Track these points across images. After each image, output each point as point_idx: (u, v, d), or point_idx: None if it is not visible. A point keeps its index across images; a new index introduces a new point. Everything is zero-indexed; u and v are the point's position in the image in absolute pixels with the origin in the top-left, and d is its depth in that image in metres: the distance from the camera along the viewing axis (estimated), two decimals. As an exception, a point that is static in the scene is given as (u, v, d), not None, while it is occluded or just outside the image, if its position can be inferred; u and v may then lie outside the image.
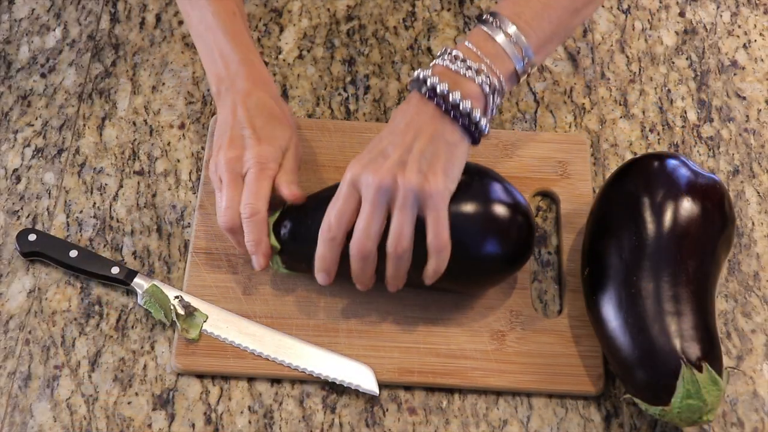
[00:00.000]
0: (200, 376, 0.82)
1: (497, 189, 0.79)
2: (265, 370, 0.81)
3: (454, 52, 0.78)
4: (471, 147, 0.79)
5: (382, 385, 0.81)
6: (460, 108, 0.76)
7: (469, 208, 0.78)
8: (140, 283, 0.84)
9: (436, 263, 0.77)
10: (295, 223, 0.81)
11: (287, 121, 0.85)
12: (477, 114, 0.77)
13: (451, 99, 0.76)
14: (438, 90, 0.76)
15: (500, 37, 0.78)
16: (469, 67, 0.77)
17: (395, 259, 0.77)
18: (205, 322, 0.83)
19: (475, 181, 0.79)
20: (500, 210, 0.78)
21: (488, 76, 0.77)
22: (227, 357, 0.82)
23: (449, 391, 0.82)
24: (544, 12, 0.80)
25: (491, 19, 0.79)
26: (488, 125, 0.78)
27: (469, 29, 1.01)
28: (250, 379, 0.82)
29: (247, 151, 0.82)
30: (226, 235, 0.82)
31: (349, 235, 0.77)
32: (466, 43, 0.79)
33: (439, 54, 0.79)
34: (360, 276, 0.79)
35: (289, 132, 0.85)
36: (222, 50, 0.85)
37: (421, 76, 0.78)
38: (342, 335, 0.83)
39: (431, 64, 0.79)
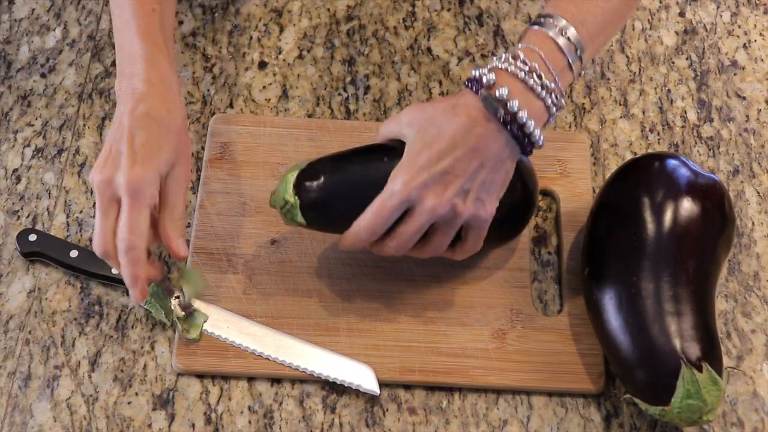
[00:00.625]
0: (200, 376, 0.82)
1: None
2: (266, 370, 0.81)
3: (531, 64, 0.73)
4: None
5: (383, 384, 0.81)
6: (532, 137, 0.74)
7: None
8: None
9: (462, 257, 0.81)
10: (320, 190, 0.78)
11: (178, 134, 0.78)
12: (542, 138, 0.75)
13: (526, 129, 0.73)
14: (517, 118, 0.73)
15: (566, 47, 0.74)
16: (543, 86, 0.73)
17: (423, 254, 0.79)
18: (205, 322, 0.83)
19: None
20: None
21: (557, 96, 0.74)
22: (228, 357, 0.82)
23: (449, 391, 0.82)
24: (603, 20, 0.77)
25: (555, 23, 0.75)
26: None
27: (469, 29, 1.01)
28: (250, 379, 0.82)
29: (119, 174, 0.74)
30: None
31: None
32: (536, 48, 0.74)
33: (507, 56, 0.74)
34: (379, 253, 0.79)
35: (176, 146, 0.77)
36: (131, 48, 0.79)
37: (497, 94, 0.72)
38: (343, 334, 0.83)
39: (497, 67, 0.74)
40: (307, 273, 0.85)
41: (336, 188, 0.78)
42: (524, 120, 0.73)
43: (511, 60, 0.74)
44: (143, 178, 0.74)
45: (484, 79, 0.73)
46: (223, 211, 0.89)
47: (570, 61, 0.75)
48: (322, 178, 0.78)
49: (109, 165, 0.75)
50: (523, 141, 0.74)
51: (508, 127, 0.73)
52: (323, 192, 0.78)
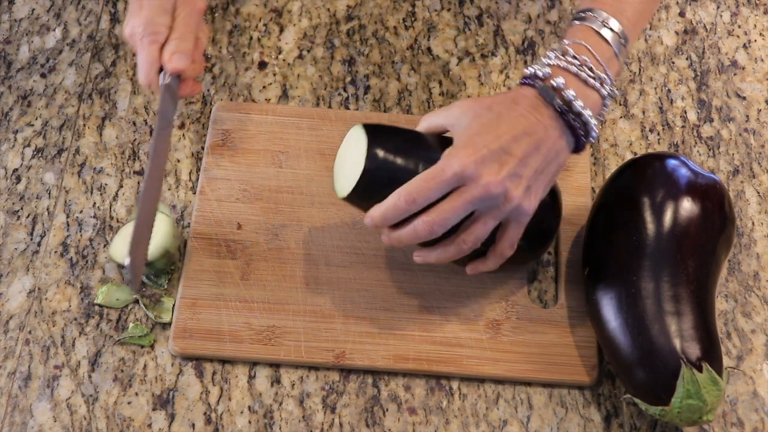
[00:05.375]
0: (200, 376, 0.82)
1: None
2: (263, 355, 0.82)
3: (581, 57, 0.75)
4: None
5: (378, 372, 0.81)
6: (588, 128, 0.75)
7: None
8: None
9: (494, 263, 0.79)
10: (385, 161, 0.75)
11: None
12: (596, 130, 0.76)
13: (584, 118, 0.74)
14: (573, 106, 0.74)
15: (611, 38, 0.76)
16: (596, 77, 0.75)
17: (457, 249, 0.76)
18: (173, 305, 0.83)
19: None
20: None
21: (611, 87, 0.76)
22: (224, 341, 0.82)
23: (449, 391, 0.82)
24: (641, 8, 0.79)
25: (596, 16, 0.76)
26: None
27: (469, 29, 1.01)
28: (250, 379, 0.82)
29: (132, 20, 0.82)
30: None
31: None
32: (582, 42, 0.76)
33: (557, 53, 0.76)
34: (402, 242, 0.76)
35: None
36: None
37: (554, 84, 0.74)
38: (339, 321, 0.83)
39: (551, 63, 0.75)
40: (305, 260, 0.86)
41: (397, 168, 0.75)
42: (580, 109, 0.74)
43: (561, 56, 0.75)
44: (149, 19, 0.81)
45: (540, 74, 0.75)
46: (223, 197, 0.89)
47: (616, 51, 0.76)
48: (389, 154, 0.75)
49: (132, 14, 0.82)
50: (579, 132, 0.75)
51: (565, 117, 0.74)
52: (387, 164, 0.75)
